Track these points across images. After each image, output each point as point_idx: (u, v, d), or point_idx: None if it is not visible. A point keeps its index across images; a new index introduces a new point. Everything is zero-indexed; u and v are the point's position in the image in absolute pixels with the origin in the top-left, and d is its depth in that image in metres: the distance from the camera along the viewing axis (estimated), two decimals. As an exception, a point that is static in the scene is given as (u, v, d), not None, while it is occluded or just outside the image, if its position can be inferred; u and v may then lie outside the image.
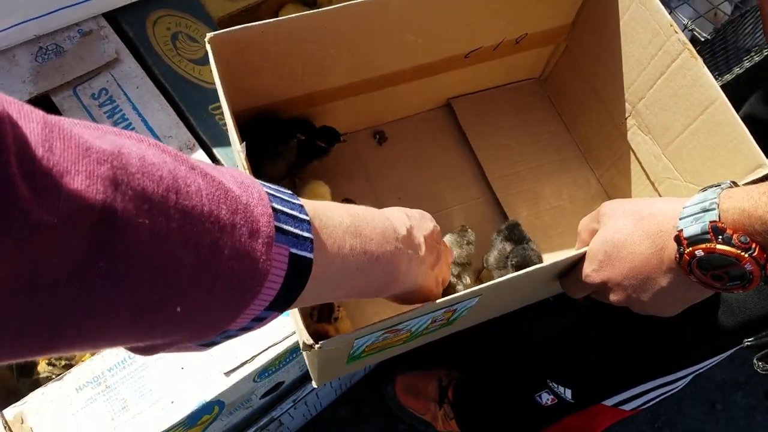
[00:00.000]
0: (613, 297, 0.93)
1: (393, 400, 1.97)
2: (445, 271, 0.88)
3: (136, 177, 0.38)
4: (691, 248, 0.76)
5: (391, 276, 0.70)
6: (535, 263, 1.23)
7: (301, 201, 0.56)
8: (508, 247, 1.28)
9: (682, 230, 0.79)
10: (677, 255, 0.80)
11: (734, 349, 1.25)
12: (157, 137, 1.24)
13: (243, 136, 1.15)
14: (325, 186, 1.32)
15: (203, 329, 0.47)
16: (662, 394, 1.42)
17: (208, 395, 1.07)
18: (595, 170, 1.55)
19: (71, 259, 0.34)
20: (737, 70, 2.14)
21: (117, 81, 1.29)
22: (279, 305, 0.51)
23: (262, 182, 0.55)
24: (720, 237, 0.73)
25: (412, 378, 1.97)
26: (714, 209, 0.75)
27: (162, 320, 0.42)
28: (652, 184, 1.36)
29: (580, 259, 0.96)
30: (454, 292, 1.13)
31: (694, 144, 1.20)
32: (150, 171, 0.39)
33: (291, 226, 0.52)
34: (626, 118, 1.38)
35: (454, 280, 1.24)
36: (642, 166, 1.38)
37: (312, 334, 1.16)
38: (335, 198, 1.42)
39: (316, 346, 0.77)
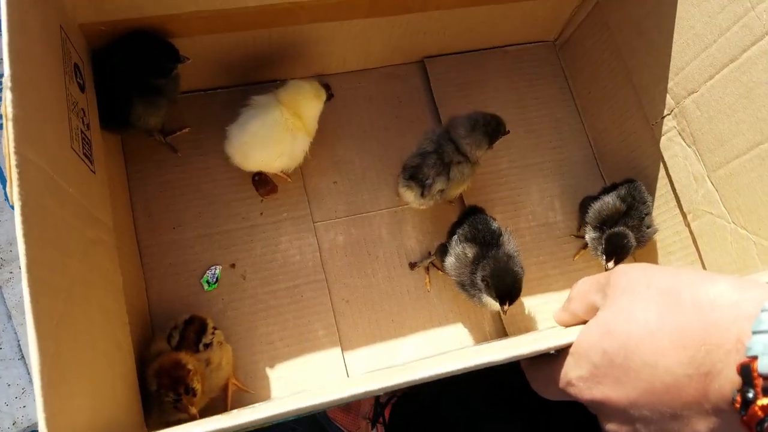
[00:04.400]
0: (610, 426, 0.56)
1: (321, 413, 1.66)
2: None
3: None
4: None
5: None
6: (518, 285, 0.86)
7: None
8: (470, 251, 0.90)
9: (756, 359, 0.45)
10: (738, 399, 0.46)
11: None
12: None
13: (100, 65, 0.81)
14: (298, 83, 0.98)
15: None
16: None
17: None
18: (607, 179, 1.15)
19: None
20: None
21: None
22: None
23: None
24: None
25: (343, 390, 1.63)
26: None
27: None
28: (684, 216, 0.97)
29: (561, 351, 0.58)
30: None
31: (761, 173, 0.81)
32: None
33: None
34: (664, 117, 0.98)
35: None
36: (673, 187, 0.98)
37: (158, 369, 0.79)
38: (244, 175, 1.02)
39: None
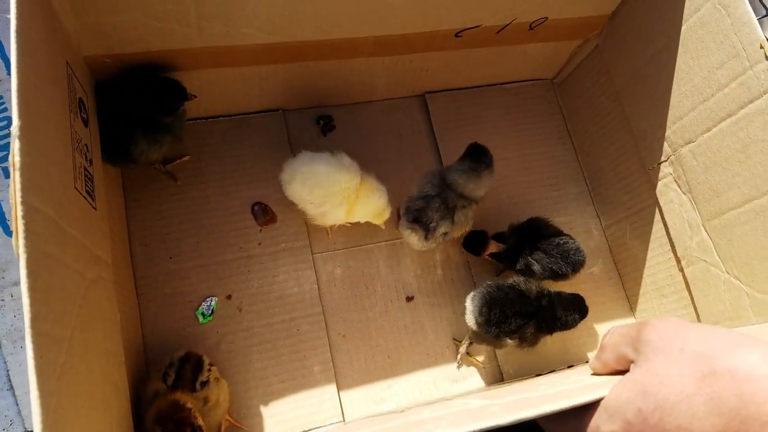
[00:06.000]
0: None
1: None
2: None
3: None
4: None
5: None
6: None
7: None
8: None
9: None
10: None
11: None
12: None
13: (101, 99, 0.80)
14: (383, 194, 0.99)
15: None
16: None
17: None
18: (602, 218, 1.16)
19: None
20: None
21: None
22: None
23: None
24: None
25: None
26: None
27: None
28: (678, 261, 0.98)
29: (592, 405, 0.60)
30: None
31: (755, 227, 0.82)
32: None
33: None
34: (660, 163, 0.99)
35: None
36: (668, 233, 1.00)
37: (157, 415, 0.78)
38: (244, 204, 1.02)
39: None
